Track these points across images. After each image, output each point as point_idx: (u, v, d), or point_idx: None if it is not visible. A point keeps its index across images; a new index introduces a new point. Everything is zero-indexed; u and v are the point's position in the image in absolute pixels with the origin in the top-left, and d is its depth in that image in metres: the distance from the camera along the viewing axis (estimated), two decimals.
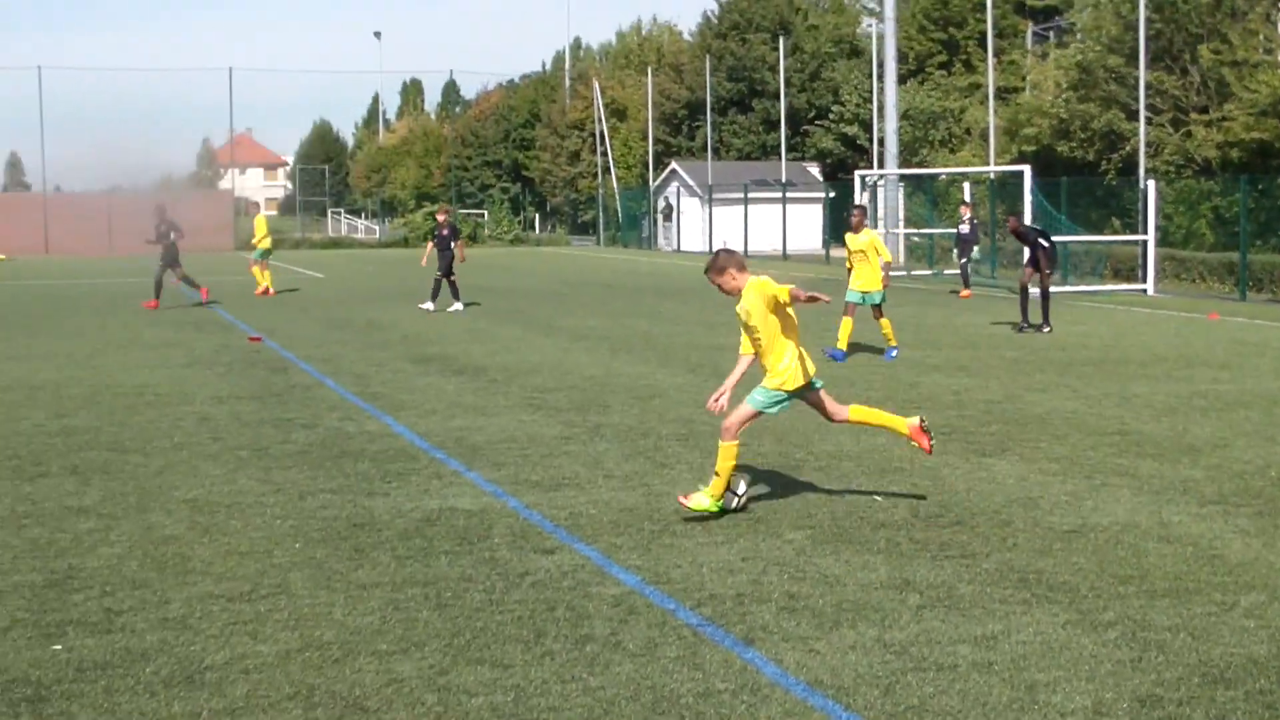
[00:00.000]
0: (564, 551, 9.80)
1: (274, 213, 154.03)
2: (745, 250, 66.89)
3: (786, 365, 10.72)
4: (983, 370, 20.08)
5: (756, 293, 10.58)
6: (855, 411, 11.27)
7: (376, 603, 8.59)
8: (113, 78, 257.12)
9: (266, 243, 39.62)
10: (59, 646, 7.86)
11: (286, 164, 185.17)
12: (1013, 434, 14.57)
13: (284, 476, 12.53)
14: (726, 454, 10.68)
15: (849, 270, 22.21)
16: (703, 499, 10.69)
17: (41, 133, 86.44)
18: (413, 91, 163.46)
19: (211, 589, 8.97)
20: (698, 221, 76.87)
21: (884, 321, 21.86)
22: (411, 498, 11.51)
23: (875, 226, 52.65)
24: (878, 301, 21.71)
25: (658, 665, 7.38)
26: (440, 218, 34.09)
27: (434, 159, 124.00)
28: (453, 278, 32.33)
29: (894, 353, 21.64)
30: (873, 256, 21.71)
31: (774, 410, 10.92)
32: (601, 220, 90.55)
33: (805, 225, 67.00)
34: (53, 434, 15.08)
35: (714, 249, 64.64)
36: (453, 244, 32.43)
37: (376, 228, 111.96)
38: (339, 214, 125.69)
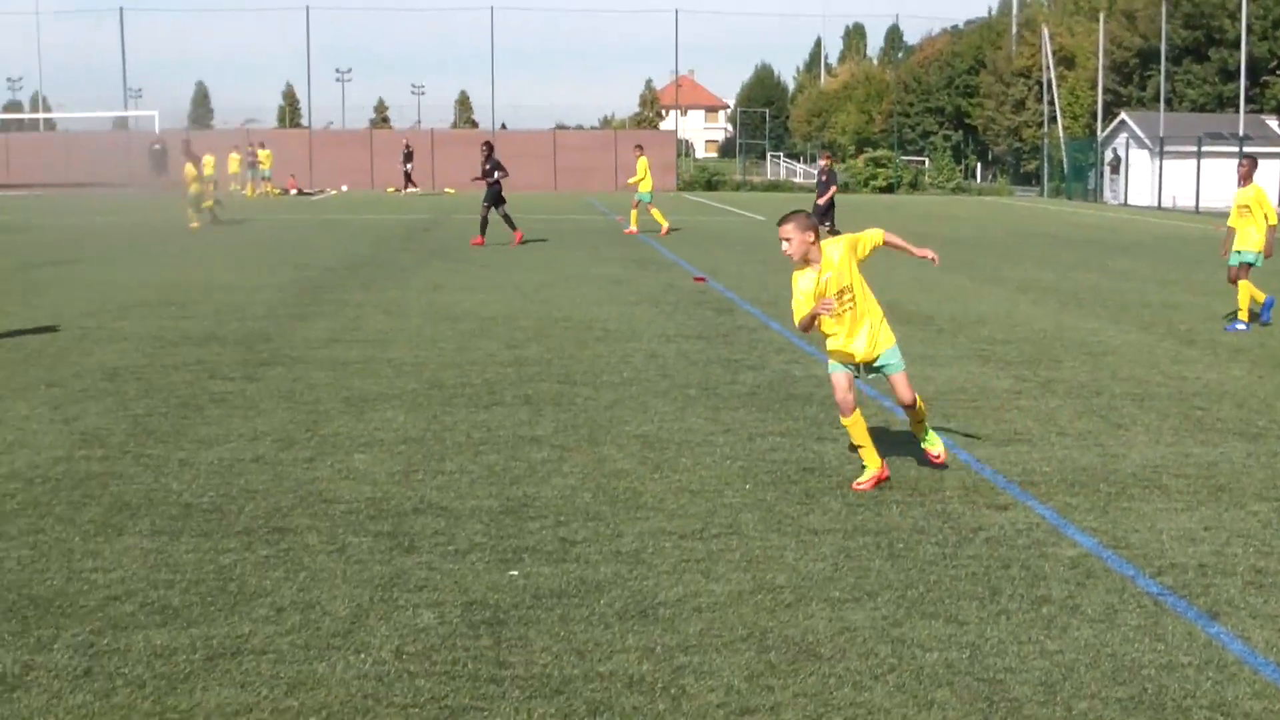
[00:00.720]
0: (1017, 509, 9.58)
1: (714, 155, 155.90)
2: (1196, 207, 64.68)
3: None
4: None
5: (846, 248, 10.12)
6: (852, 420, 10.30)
7: (828, 549, 8.54)
8: (561, 18, 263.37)
9: (647, 185, 40.00)
10: (515, 572, 8.05)
11: (727, 107, 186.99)
12: None
13: (733, 417, 12.59)
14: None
15: (1229, 229, 20.61)
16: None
17: (492, 72, 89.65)
18: (855, 36, 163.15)
19: (663, 525, 9.07)
20: (1147, 175, 74.49)
21: (1244, 286, 19.77)
22: None
23: None
24: (1249, 261, 19.98)
25: (1117, 633, 7.13)
26: (821, 163, 34.28)
27: (875, 104, 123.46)
28: (829, 222, 32.16)
29: (1239, 326, 19.45)
30: (1256, 212, 20.24)
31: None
32: (1045, 171, 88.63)
33: (1263, 182, 64.05)
34: (505, 364, 15.51)
35: (1161, 203, 62.15)
36: (832, 188, 32.40)
37: (815, 172, 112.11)
38: (778, 158, 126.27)
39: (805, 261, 10.09)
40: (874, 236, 10.26)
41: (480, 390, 13.92)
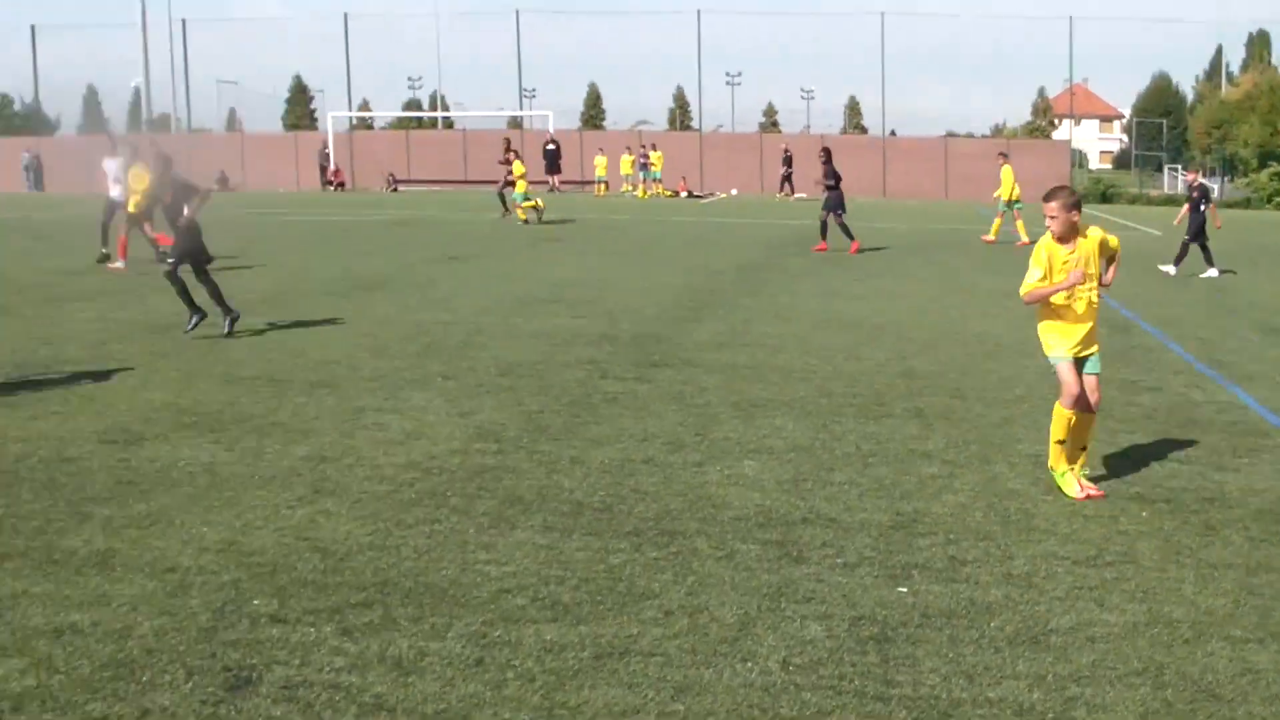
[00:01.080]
0: None
1: (1108, 166, 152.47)
2: None
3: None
4: None
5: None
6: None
7: (1229, 584, 8.22)
8: (951, 25, 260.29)
9: (1015, 193, 39.12)
10: (904, 589, 7.98)
11: (1122, 117, 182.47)
12: None
13: (1129, 440, 12.19)
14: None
15: None
16: (1069, 483, 10.29)
17: (882, 78, 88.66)
18: (1259, 44, 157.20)
19: (1056, 549, 8.87)
20: None
21: None
22: (1266, 477, 10.93)
23: None
24: None
25: None
26: (1189, 177, 33.06)
27: None
28: (1204, 242, 30.77)
29: None
30: None
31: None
32: None
33: None
34: (895, 375, 15.40)
35: None
36: (1202, 206, 31.06)
37: (1216, 186, 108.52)
38: (1176, 170, 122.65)
39: (1061, 240, 10.25)
40: (1117, 245, 10.52)
41: (869, 401, 13.84)
